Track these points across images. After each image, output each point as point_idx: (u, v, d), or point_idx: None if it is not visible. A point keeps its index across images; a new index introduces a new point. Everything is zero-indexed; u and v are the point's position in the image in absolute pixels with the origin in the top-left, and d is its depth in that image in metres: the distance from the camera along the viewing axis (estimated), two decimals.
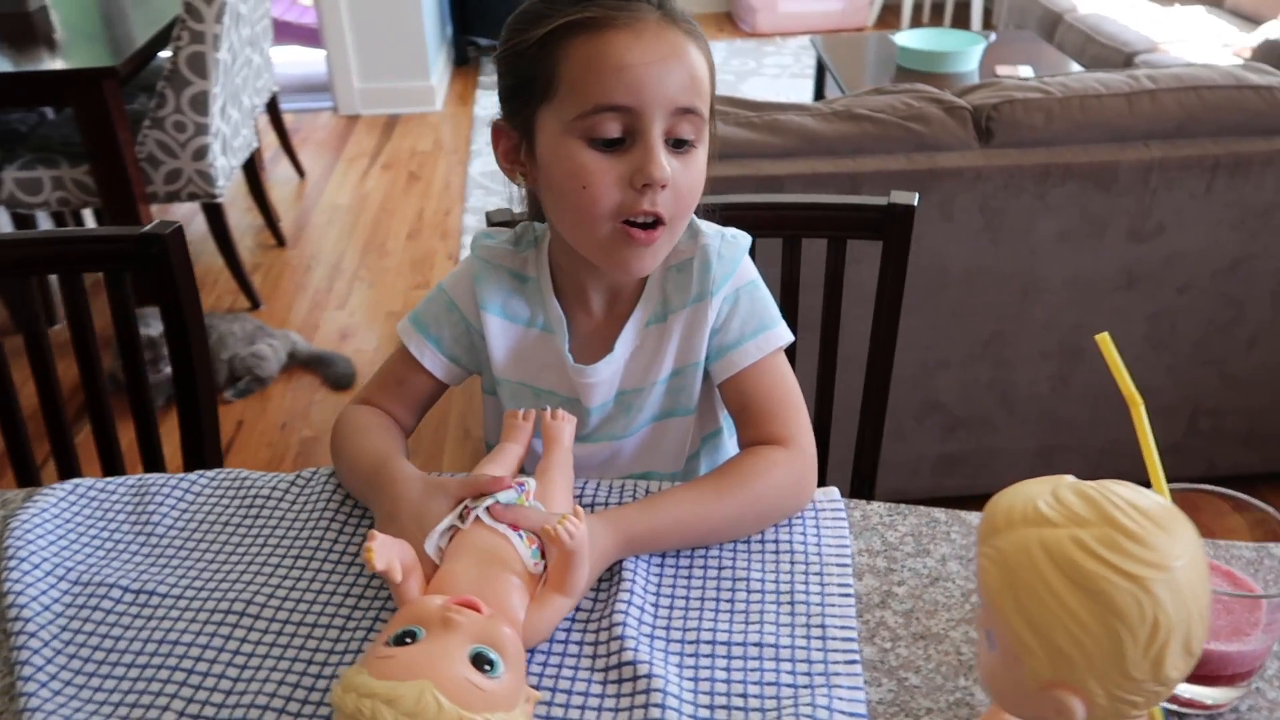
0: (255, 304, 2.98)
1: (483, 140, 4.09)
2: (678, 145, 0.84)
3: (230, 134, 2.77)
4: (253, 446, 2.43)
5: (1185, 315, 1.97)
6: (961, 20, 5.33)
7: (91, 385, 1.18)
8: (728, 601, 0.79)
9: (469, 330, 0.98)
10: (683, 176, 0.84)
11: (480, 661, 0.63)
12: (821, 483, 0.91)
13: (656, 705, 0.69)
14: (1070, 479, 0.51)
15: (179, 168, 2.62)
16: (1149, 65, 3.28)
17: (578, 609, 0.78)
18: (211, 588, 0.82)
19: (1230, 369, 2.04)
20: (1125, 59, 3.37)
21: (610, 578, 0.81)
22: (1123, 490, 0.49)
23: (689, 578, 0.82)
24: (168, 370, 1.71)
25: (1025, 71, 2.99)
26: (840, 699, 0.70)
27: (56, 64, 2.58)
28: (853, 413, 1.28)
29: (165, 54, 2.58)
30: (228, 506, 0.92)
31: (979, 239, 1.85)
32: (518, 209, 0.99)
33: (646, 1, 0.83)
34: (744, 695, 0.71)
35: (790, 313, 1.17)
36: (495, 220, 1.13)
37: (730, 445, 1.06)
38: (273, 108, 3.54)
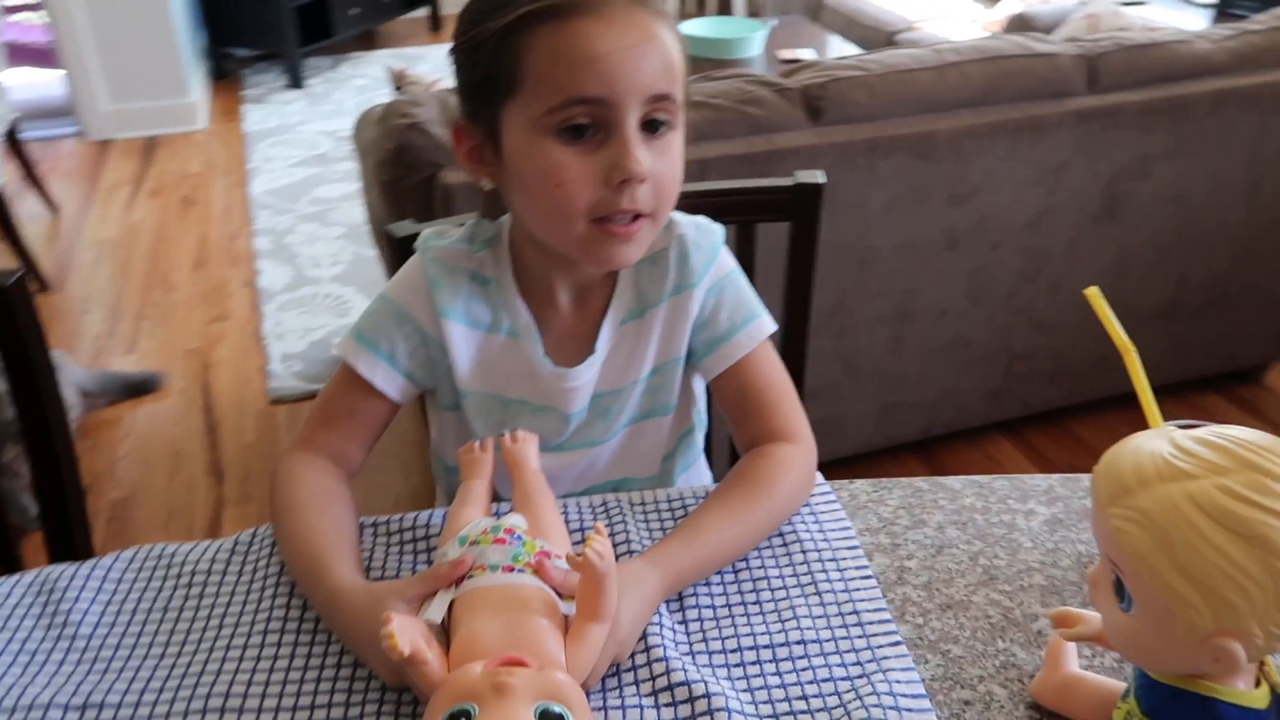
0: None
1: (260, 158, 3.82)
2: (653, 129, 0.79)
3: None
4: None
5: (998, 269, 2.12)
6: (726, 9, 5.50)
7: None
8: (755, 604, 0.77)
9: (425, 341, 0.90)
10: (662, 165, 0.79)
11: (549, 719, 0.57)
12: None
13: None
14: (1173, 429, 0.53)
15: None
16: (910, 44, 3.52)
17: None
18: (174, 688, 0.70)
19: (1037, 315, 2.21)
20: (886, 38, 3.59)
21: None
22: (1241, 434, 0.50)
23: (709, 585, 0.79)
24: None
25: (808, 54, 3.12)
26: (898, 683, 0.69)
27: None
28: None
29: None
30: (160, 589, 0.80)
31: None
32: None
33: None
34: (803, 697, 0.69)
35: None
36: (400, 234, 1.04)
37: (700, 441, 1.03)
38: (12, 137, 3.15)
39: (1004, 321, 2.19)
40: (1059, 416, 2.37)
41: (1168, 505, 0.49)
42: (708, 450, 1.08)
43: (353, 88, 4.65)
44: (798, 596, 0.77)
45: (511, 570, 0.68)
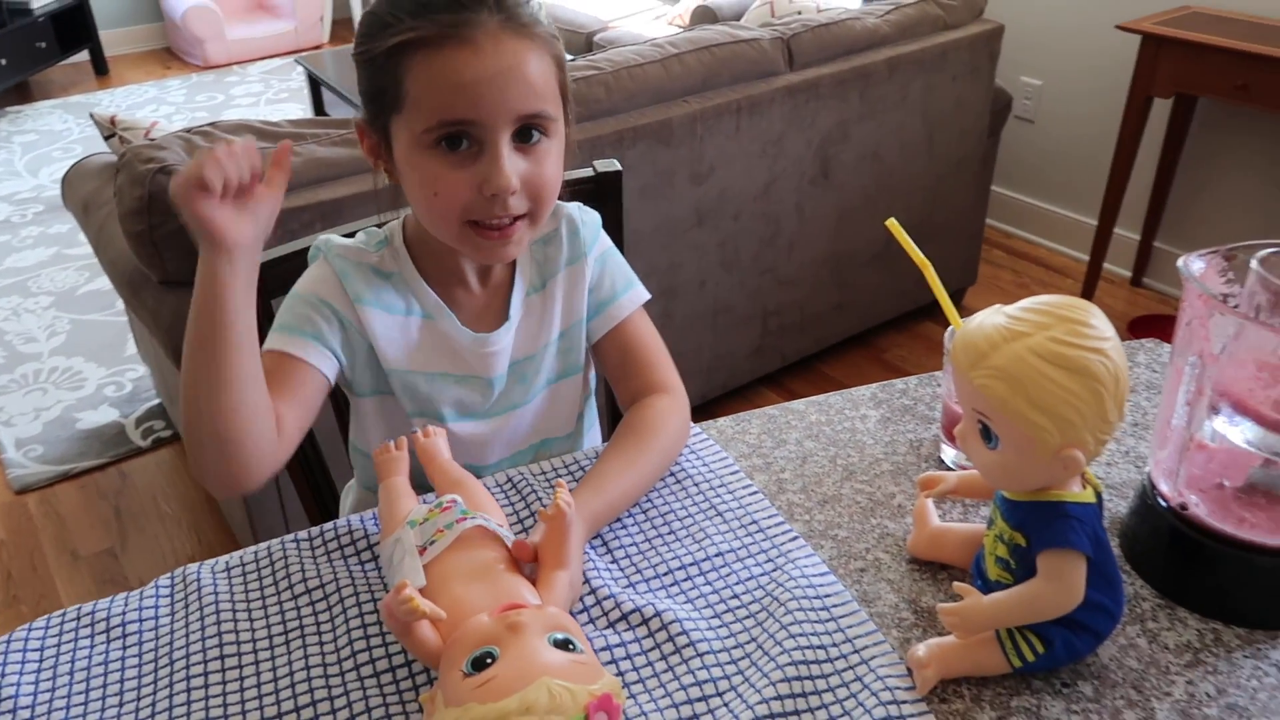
0: None
1: None
2: (528, 139, 0.86)
3: None
4: None
5: (742, 237, 2.34)
6: None
7: None
8: (669, 533, 0.87)
9: (345, 326, 0.93)
10: (535, 174, 0.87)
11: (564, 645, 0.65)
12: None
13: (680, 633, 0.76)
14: (999, 306, 0.68)
15: None
16: (608, 43, 3.73)
17: None
18: None
19: (781, 274, 2.46)
20: (586, 39, 3.78)
21: None
22: (1050, 299, 0.66)
23: (624, 526, 0.88)
24: None
25: None
26: (806, 567, 0.82)
27: None
28: None
29: None
30: (92, 646, 0.78)
31: None
32: None
33: (486, 8, 0.82)
34: (735, 596, 0.80)
35: None
36: None
37: (594, 404, 1.12)
38: None
39: (754, 284, 2.42)
40: (811, 362, 2.65)
41: (1015, 359, 0.64)
42: None
43: (20, 145, 4.25)
44: (703, 519, 0.88)
45: (464, 520, 0.74)
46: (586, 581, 0.81)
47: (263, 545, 0.87)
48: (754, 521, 0.88)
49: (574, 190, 1.26)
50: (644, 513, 0.89)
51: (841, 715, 0.69)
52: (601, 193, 1.25)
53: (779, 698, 0.70)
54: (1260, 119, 2.59)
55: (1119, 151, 2.71)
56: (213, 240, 0.74)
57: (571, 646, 0.65)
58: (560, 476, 0.94)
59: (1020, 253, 3.20)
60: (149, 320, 1.86)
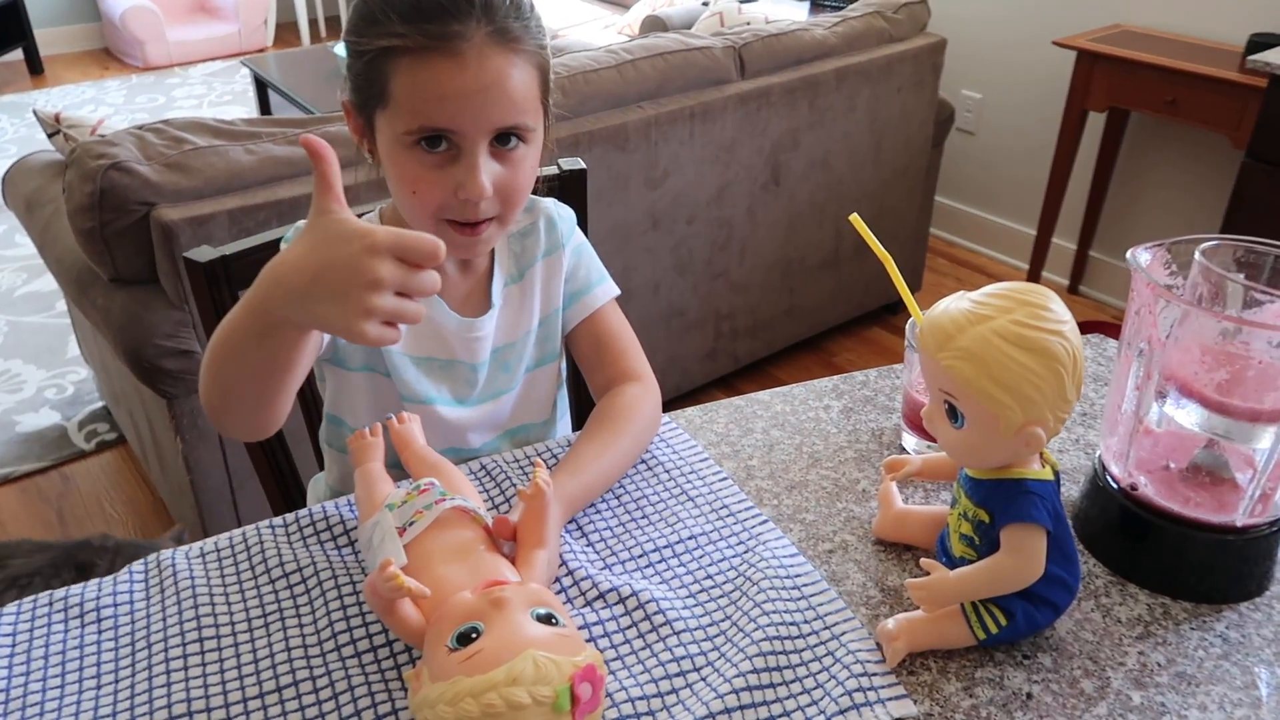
0: None
1: None
2: (505, 144, 0.87)
3: None
4: None
5: (695, 241, 2.38)
6: None
7: None
8: (642, 517, 0.89)
9: None
10: (509, 178, 0.88)
11: (546, 620, 0.66)
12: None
13: (657, 612, 0.78)
14: (963, 293, 0.72)
15: None
16: (557, 51, 3.75)
17: None
18: (126, 710, 0.70)
19: (733, 278, 2.50)
20: None
21: None
22: (1010, 286, 0.70)
23: (599, 511, 0.90)
24: None
25: None
26: (777, 549, 0.85)
27: None
28: None
29: None
30: (66, 631, 0.77)
31: None
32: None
33: (474, 19, 0.82)
34: (709, 577, 0.83)
35: None
36: (204, 259, 1.05)
37: (565, 393, 1.14)
38: None
39: (707, 288, 2.45)
40: (762, 365, 2.69)
41: (980, 340, 0.67)
42: None
43: None
44: (674, 504, 0.90)
45: (443, 501, 0.75)
46: (564, 563, 0.83)
47: (238, 531, 0.87)
48: (724, 506, 0.90)
49: (539, 188, 1.27)
50: (617, 498, 0.91)
51: (815, 688, 0.72)
52: (566, 190, 1.27)
53: (755, 671, 0.72)
54: (1187, 133, 2.70)
55: (1056, 163, 2.80)
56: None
57: (554, 621, 0.66)
58: (531, 462, 0.96)
59: (962, 261, 3.28)
60: (98, 319, 1.83)
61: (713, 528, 0.88)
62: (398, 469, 0.87)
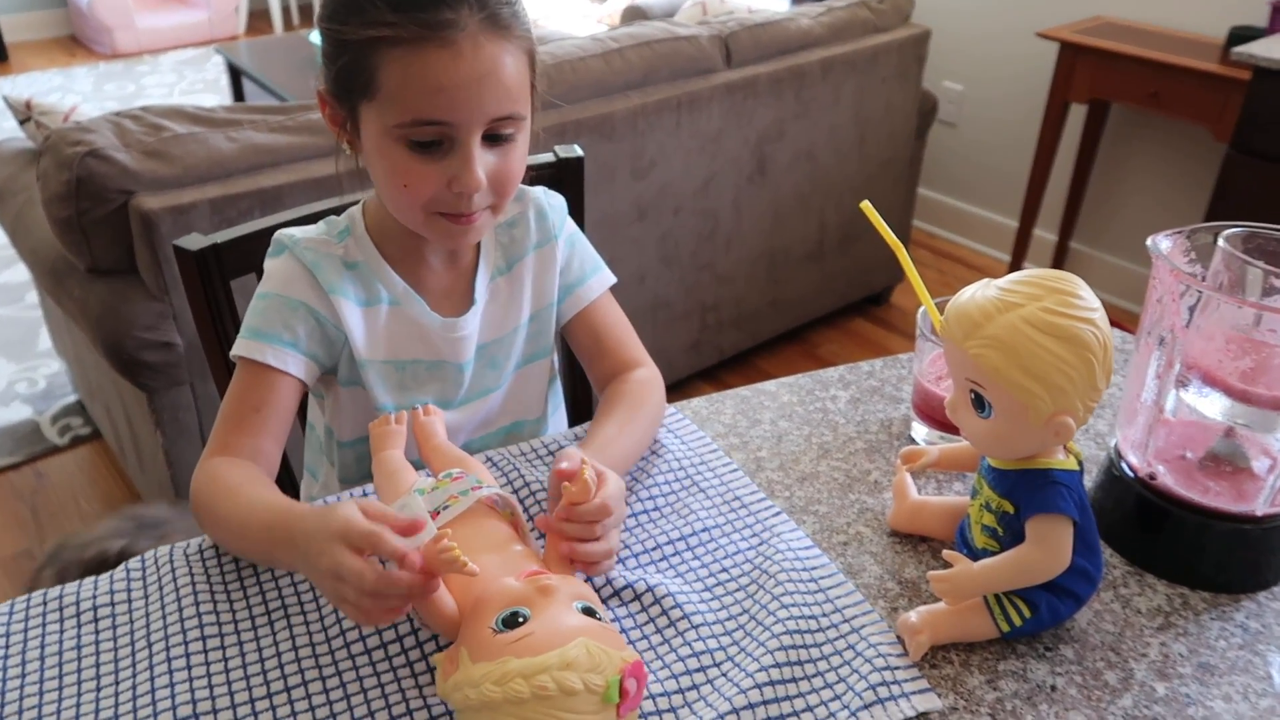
0: None
1: None
2: (498, 137, 0.85)
3: None
4: None
5: (681, 233, 2.36)
6: None
7: None
8: (655, 509, 0.87)
9: (321, 323, 0.91)
10: (502, 167, 0.86)
11: (589, 614, 0.64)
12: None
13: (674, 607, 0.76)
14: (989, 280, 0.70)
15: None
16: (539, 40, 3.71)
17: None
18: (128, 712, 0.68)
19: (719, 269, 2.49)
20: None
21: None
22: (1038, 272, 0.68)
23: None
24: None
25: None
26: (791, 542, 0.83)
27: None
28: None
29: None
30: (61, 631, 0.75)
31: None
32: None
33: (467, 7, 0.79)
34: (724, 570, 0.81)
35: None
36: (195, 248, 1.02)
37: (559, 388, 1.11)
38: None
39: (693, 279, 2.44)
40: (747, 356, 2.68)
41: (1010, 329, 0.66)
42: None
43: None
44: (686, 496, 0.89)
45: (479, 489, 0.73)
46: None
47: None
48: (736, 498, 0.88)
49: (536, 175, 1.25)
50: (628, 490, 0.89)
51: (838, 682, 0.71)
52: (562, 177, 1.25)
53: (776, 665, 0.71)
54: (1168, 126, 2.72)
55: (1038, 155, 2.81)
56: None
57: (596, 615, 0.65)
58: (542, 456, 0.94)
59: (944, 253, 3.29)
60: (75, 311, 1.79)
61: (725, 520, 0.86)
62: (415, 464, 0.85)
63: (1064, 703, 0.70)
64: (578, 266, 1.04)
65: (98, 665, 0.72)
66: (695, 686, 0.71)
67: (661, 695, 0.70)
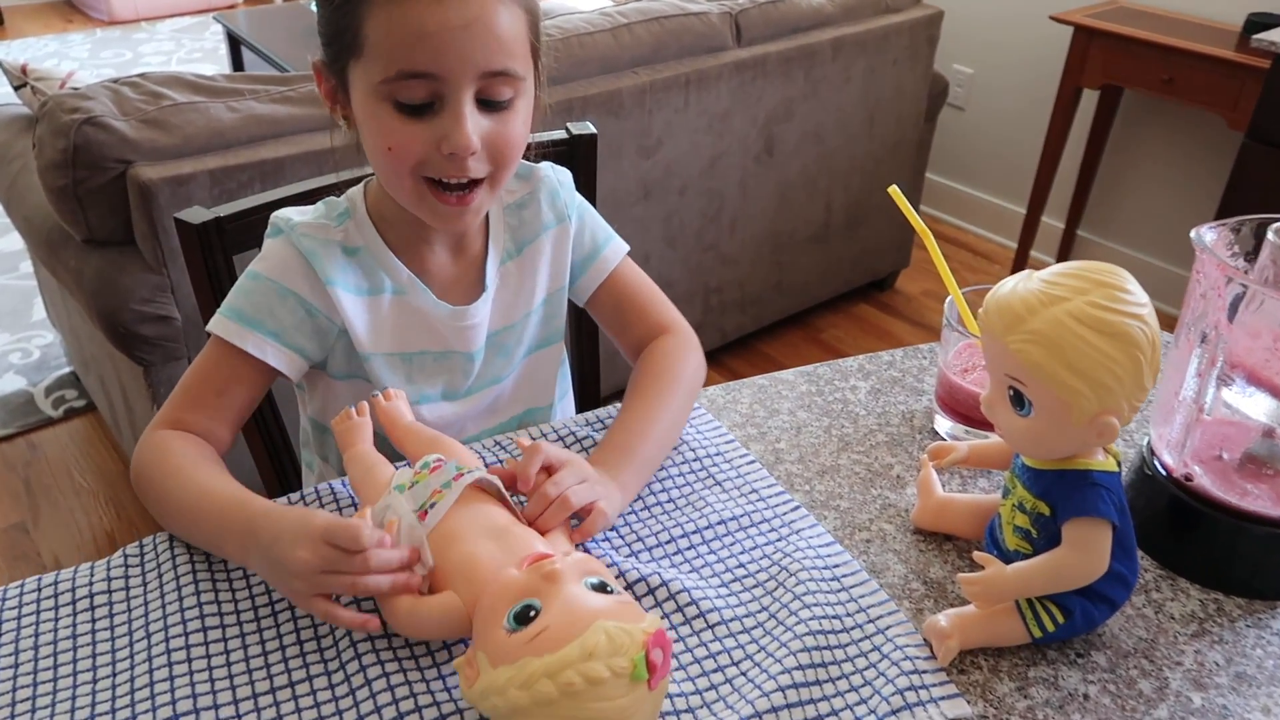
0: None
1: None
2: (494, 101, 0.80)
3: None
4: None
5: (686, 213, 2.32)
6: None
7: None
8: (669, 502, 0.84)
9: (311, 314, 0.87)
10: (498, 135, 0.81)
11: (601, 589, 0.61)
12: None
13: (690, 603, 0.74)
14: (1030, 271, 0.67)
15: None
16: (545, 13, 3.65)
17: None
18: (126, 705, 0.65)
19: (723, 251, 2.45)
20: None
21: None
22: (1083, 264, 0.65)
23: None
24: None
25: None
26: (811, 538, 0.81)
27: None
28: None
29: None
30: (56, 618, 0.72)
31: None
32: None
33: None
34: (741, 565, 0.78)
35: None
36: (197, 221, 0.98)
37: (567, 372, 1.08)
38: None
39: (697, 260, 2.40)
40: (750, 340, 2.65)
41: (1054, 323, 0.63)
42: None
43: None
44: (702, 489, 0.86)
45: (461, 476, 0.70)
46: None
47: None
48: (754, 491, 0.86)
49: (547, 152, 1.21)
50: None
51: (864, 685, 0.68)
52: (575, 155, 1.21)
53: (800, 667, 0.68)
54: (1180, 113, 2.68)
55: (1048, 141, 2.77)
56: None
57: (609, 589, 0.62)
58: (564, 440, 0.91)
59: (950, 238, 3.25)
60: (70, 281, 1.75)
61: (743, 513, 0.83)
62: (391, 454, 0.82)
63: (1097, 712, 0.67)
64: (590, 238, 1.00)
65: (94, 657, 0.69)
66: (714, 687, 0.68)
67: (679, 696, 0.67)
